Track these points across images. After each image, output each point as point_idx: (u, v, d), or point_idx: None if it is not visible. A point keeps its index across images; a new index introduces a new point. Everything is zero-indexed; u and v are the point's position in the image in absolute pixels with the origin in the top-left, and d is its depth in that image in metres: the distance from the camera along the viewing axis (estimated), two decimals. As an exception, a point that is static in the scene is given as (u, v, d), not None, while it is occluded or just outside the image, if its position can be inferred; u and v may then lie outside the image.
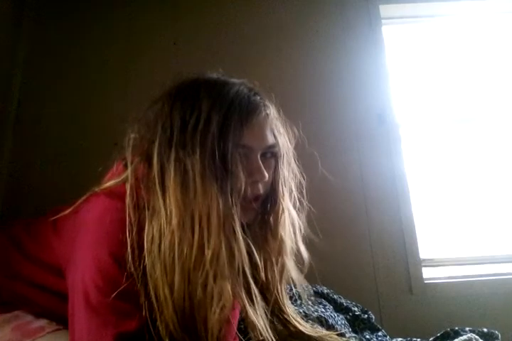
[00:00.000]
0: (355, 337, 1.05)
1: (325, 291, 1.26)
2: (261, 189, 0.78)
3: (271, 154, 0.82)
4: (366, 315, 1.22)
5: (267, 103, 0.84)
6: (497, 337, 1.03)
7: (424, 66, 2.04)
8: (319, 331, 0.91)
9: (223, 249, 0.68)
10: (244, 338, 0.81)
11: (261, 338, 0.74)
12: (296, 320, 0.89)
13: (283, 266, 0.87)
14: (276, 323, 0.86)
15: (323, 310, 1.10)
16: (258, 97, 0.82)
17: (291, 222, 0.89)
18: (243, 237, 0.72)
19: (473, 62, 2.04)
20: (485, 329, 1.06)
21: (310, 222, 1.67)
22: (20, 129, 1.79)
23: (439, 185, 1.88)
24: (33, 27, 1.91)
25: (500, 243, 1.80)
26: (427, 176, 1.89)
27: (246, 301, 0.74)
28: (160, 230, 0.69)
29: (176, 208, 0.68)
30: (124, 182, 0.77)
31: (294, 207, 0.94)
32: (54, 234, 0.85)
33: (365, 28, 1.92)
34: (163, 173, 0.72)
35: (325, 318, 1.03)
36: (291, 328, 0.88)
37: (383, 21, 1.96)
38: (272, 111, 0.84)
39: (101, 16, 1.95)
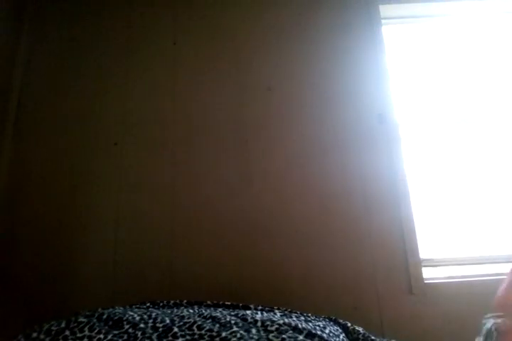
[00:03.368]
0: None
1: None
2: None
3: None
4: None
5: None
6: None
7: (424, 66, 2.04)
8: None
9: None
10: None
11: None
12: None
13: None
14: None
15: None
16: None
17: None
18: None
19: (472, 62, 2.04)
20: None
21: (310, 221, 1.68)
22: (20, 129, 1.79)
23: (439, 185, 1.88)
24: (33, 27, 1.92)
25: (499, 243, 1.80)
26: (427, 176, 1.89)
27: None
28: None
29: None
30: None
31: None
32: None
33: (365, 28, 1.93)
34: None
35: None
36: None
37: (383, 21, 1.96)
38: None
39: (101, 16, 1.95)
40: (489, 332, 0.56)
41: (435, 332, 1.22)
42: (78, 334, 0.79)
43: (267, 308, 1.14)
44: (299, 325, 0.83)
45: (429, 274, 1.66)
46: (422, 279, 1.62)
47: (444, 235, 1.81)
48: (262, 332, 0.78)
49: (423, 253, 1.69)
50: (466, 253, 1.78)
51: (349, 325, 1.09)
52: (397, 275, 1.63)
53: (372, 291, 1.61)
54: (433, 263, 1.75)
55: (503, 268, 1.69)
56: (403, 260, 1.65)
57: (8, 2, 1.81)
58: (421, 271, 1.64)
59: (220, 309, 1.07)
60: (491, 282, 1.62)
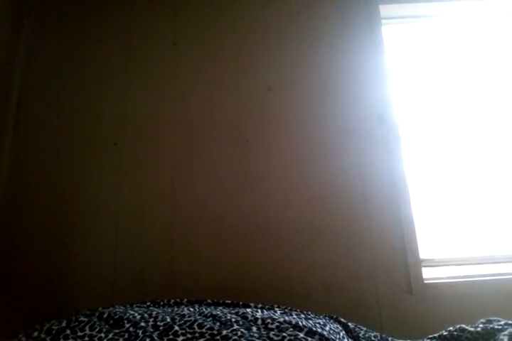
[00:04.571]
0: None
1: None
2: None
3: None
4: None
5: None
6: None
7: (424, 66, 2.04)
8: None
9: None
10: None
11: None
12: None
13: None
14: None
15: None
16: None
17: None
18: None
19: (472, 62, 2.04)
20: None
21: (310, 221, 1.68)
22: (20, 129, 1.79)
23: (439, 185, 1.88)
24: (33, 27, 1.92)
25: (499, 243, 1.80)
26: (427, 176, 1.89)
27: None
28: None
29: None
30: None
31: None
32: None
33: (365, 28, 1.93)
34: None
35: None
36: None
37: (383, 21, 1.97)
38: None
39: (101, 17, 1.95)
40: None
41: (435, 332, 1.22)
42: (79, 333, 0.79)
43: (267, 306, 1.14)
44: (300, 323, 0.83)
45: (429, 274, 1.66)
46: (422, 279, 1.62)
47: (444, 235, 1.81)
48: (262, 330, 0.78)
49: (423, 253, 1.69)
50: (466, 253, 1.78)
51: (350, 324, 1.10)
52: (397, 275, 1.63)
53: (372, 291, 1.61)
54: (433, 263, 1.75)
55: (503, 268, 1.70)
56: (403, 260, 1.65)
57: (7, 2, 1.81)
58: (421, 271, 1.64)
59: (220, 307, 1.08)
60: (491, 282, 1.63)
